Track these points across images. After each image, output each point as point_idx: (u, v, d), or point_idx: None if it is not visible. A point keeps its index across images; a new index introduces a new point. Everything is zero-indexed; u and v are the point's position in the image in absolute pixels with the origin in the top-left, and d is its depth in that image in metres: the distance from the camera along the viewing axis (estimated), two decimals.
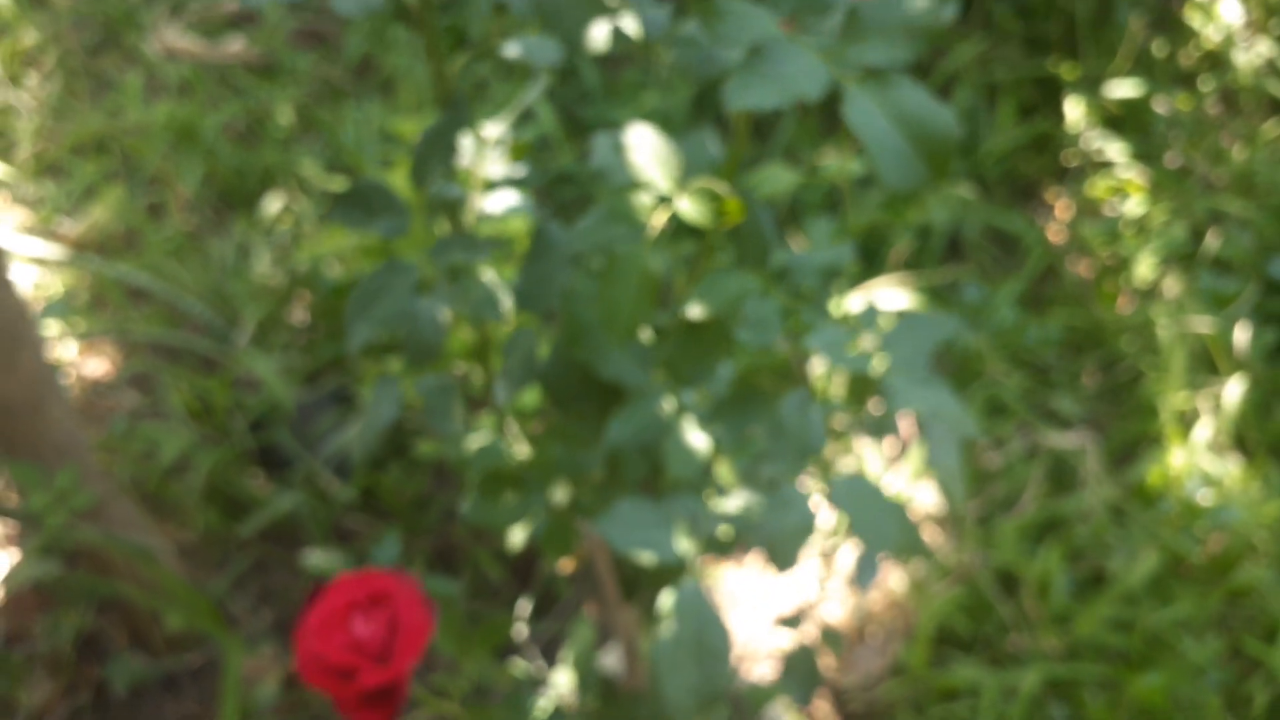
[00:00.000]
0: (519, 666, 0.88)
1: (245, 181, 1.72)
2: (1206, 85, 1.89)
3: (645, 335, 0.66)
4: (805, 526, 0.70)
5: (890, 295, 1.54)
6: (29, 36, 1.92)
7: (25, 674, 1.27)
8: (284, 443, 1.42)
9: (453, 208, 0.66)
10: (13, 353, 1.02)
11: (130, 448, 1.42)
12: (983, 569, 1.37)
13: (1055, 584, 1.36)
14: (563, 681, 0.89)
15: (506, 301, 0.71)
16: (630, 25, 0.53)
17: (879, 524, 0.71)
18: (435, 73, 0.64)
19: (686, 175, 0.61)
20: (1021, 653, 1.35)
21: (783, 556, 0.69)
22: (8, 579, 1.26)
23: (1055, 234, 1.78)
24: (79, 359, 1.59)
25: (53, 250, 1.60)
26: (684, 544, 0.61)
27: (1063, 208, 1.82)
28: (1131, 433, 1.57)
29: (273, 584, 1.43)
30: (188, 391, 1.46)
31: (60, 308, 1.36)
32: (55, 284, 1.63)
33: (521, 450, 0.76)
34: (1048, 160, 1.84)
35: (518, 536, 0.74)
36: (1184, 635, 1.37)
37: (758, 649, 1.38)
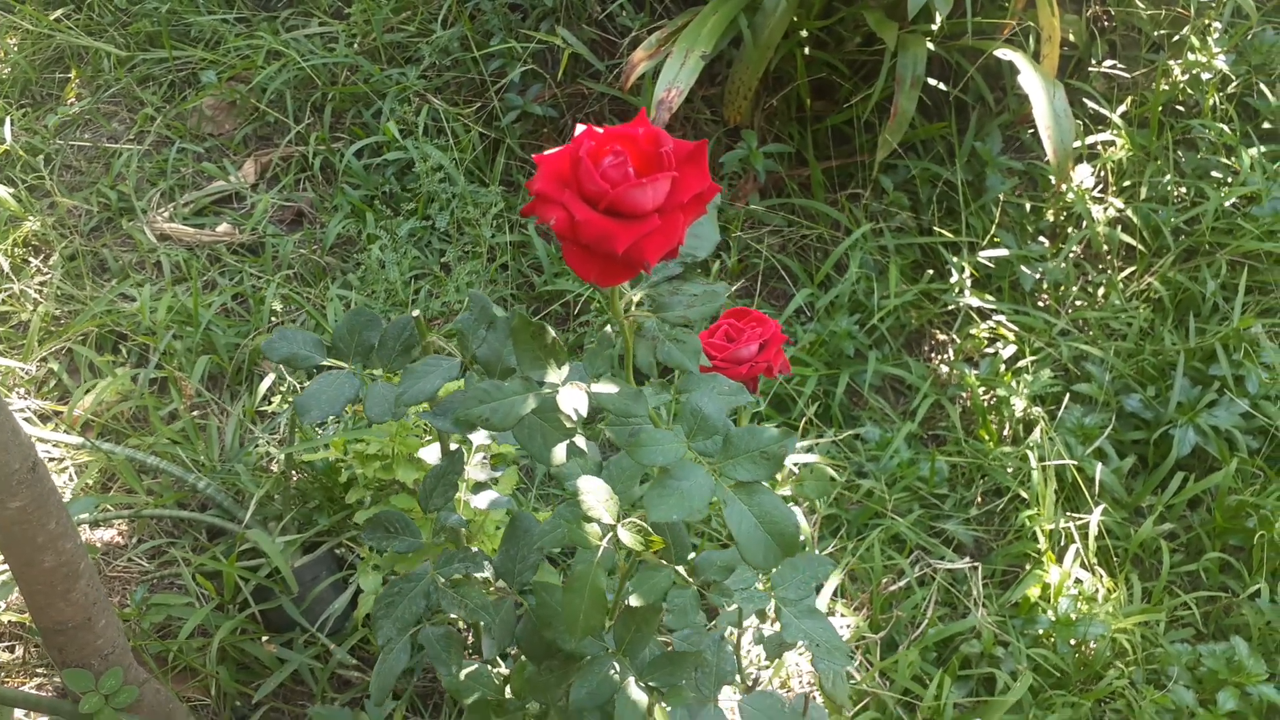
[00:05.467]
0: None
1: (239, 357, 1.95)
2: (1070, 238, 2.20)
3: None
4: None
5: (802, 456, 1.81)
6: (30, 224, 2.13)
7: None
8: (285, 608, 1.64)
9: (453, 531, 0.90)
10: (70, 584, 1.23)
11: (149, 619, 1.63)
12: (887, 693, 1.63)
13: (947, 704, 1.61)
14: None
15: (487, 573, 0.96)
16: (581, 442, 0.79)
17: None
18: (441, 436, 0.89)
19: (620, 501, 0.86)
20: None
21: None
22: None
23: (943, 377, 2.06)
24: (92, 530, 1.80)
25: (67, 436, 1.81)
26: None
27: (948, 351, 2.11)
28: (1014, 555, 1.84)
29: None
30: (197, 563, 1.67)
31: (86, 504, 1.57)
32: (67, 463, 1.83)
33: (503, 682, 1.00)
34: (935, 309, 2.13)
35: None
36: None
37: None
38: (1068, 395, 1.99)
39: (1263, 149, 2.29)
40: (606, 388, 0.78)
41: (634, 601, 0.89)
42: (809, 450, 1.82)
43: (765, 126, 2.33)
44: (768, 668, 1.65)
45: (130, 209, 2.18)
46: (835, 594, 1.73)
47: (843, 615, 1.72)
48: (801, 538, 1.77)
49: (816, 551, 1.78)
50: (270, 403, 1.91)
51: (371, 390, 0.82)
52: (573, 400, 0.77)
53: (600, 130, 0.65)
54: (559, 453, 0.78)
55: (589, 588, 0.84)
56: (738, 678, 1.04)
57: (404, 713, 1.65)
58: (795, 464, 1.85)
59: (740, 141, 2.25)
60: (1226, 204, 2.22)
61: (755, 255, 2.18)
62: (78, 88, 2.38)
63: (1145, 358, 2.06)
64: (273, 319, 2.01)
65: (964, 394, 2.04)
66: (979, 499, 1.93)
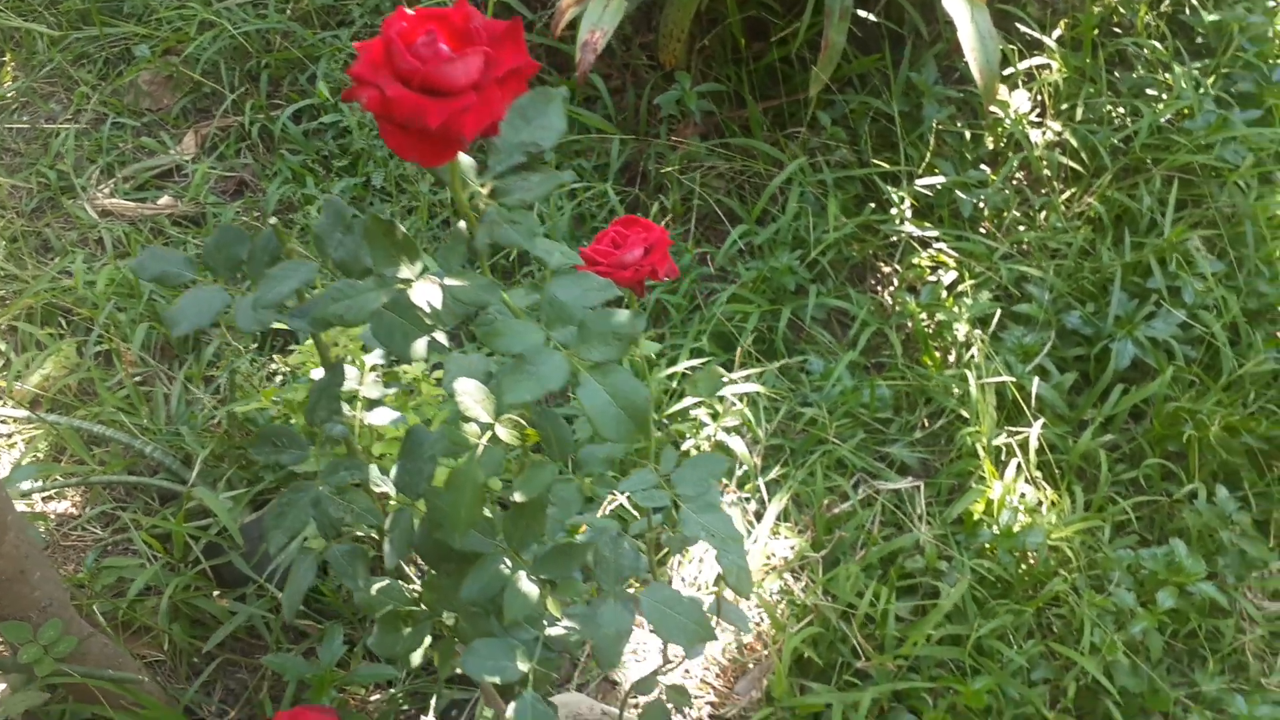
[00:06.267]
0: None
1: None
2: (1009, 164, 2.21)
3: (488, 514, 0.93)
4: (622, 633, 0.97)
5: (744, 386, 1.82)
6: None
7: None
8: (235, 563, 1.66)
9: (341, 440, 0.92)
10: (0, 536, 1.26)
11: (101, 581, 1.65)
12: (830, 606, 1.65)
13: (889, 614, 1.64)
14: None
15: (387, 487, 0.98)
16: (443, 338, 0.80)
17: (677, 624, 0.98)
18: (319, 346, 0.90)
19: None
20: (868, 673, 1.63)
21: (606, 659, 0.96)
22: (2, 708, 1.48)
23: (886, 305, 2.08)
24: (45, 503, 1.82)
25: (13, 410, 1.83)
26: (524, 666, 0.88)
27: (893, 283, 2.12)
28: (957, 472, 1.86)
29: (235, 685, 1.67)
30: (148, 525, 1.70)
31: (28, 471, 1.59)
32: (16, 438, 1.85)
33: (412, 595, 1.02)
34: (877, 241, 2.15)
35: (416, 659, 1.00)
36: (1007, 644, 1.66)
37: None
38: (998, 313, 2.00)
39: (1196, 65, 2.30)
40: (460, 281, 0.79)
41: (519, 497, 0.91)
42: (755, 379, 1.84)
43: (703, 69, 2.34)
44: (715, 592, 1.67)
45: (70, 188, 2.19)
46: (779, 518, 1.76)
47: (786, 537, 1.74)
48: (743, 467, 1.79)
49: (760, 480, 1.80)
50: (216, 367, 1.92)
51: (239, 302, 0.83)
52: (426, 294, 0.78)
53: (412, 11, 0.67)
54: (419, 347, 0.80)
55: (469, 483, 0.86)
56: (648, 576, 1.06)
57: (362, 657, 1.68)
58: (736, 395, 1.87)
59: (676, 84, 2.26)
60: (1162, 120, 2.23)
61: (694, 196, 2.19)
62: (12, 70, 2.38)
63: (1085, 276, 2.07)
64: None
65: (907, 322, 2.06)
66: (924, 422, 1.95)
